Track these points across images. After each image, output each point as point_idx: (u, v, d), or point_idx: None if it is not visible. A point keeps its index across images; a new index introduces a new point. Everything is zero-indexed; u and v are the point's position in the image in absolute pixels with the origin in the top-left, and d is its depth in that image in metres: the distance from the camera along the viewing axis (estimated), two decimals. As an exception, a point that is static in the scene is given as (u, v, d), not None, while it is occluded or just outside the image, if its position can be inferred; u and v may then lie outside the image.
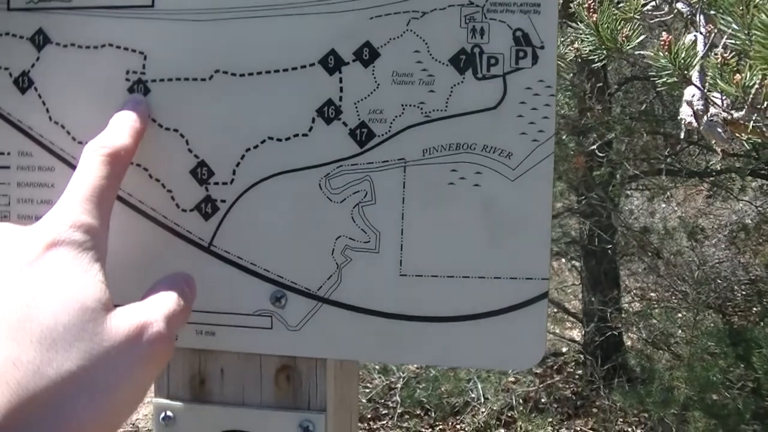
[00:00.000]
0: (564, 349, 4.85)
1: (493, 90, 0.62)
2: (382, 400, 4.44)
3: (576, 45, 1.57)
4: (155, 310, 0.53)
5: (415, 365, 4.39)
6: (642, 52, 1.44)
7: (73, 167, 0.65)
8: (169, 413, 0.67)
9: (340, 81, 0.63)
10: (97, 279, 0.51)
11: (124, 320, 0.50)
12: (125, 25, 0.65)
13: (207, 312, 0.65)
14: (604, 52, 1.47)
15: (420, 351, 0.64)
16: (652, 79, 1.47)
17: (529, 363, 0.65)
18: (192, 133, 0.65)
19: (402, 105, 0.63)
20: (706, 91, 1.31)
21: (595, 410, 4.29)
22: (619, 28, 1.48)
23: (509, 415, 4.22)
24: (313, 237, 0.64)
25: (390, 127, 0.63)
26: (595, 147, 3.64)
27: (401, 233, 0.63)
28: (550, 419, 4.06)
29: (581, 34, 1.52)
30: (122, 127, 0.61)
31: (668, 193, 4.99)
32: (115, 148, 0.58)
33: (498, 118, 0.62)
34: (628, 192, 4.61)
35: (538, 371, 4.53)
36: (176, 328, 0.54)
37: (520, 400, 4.26)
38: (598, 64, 1.53)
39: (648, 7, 1.63)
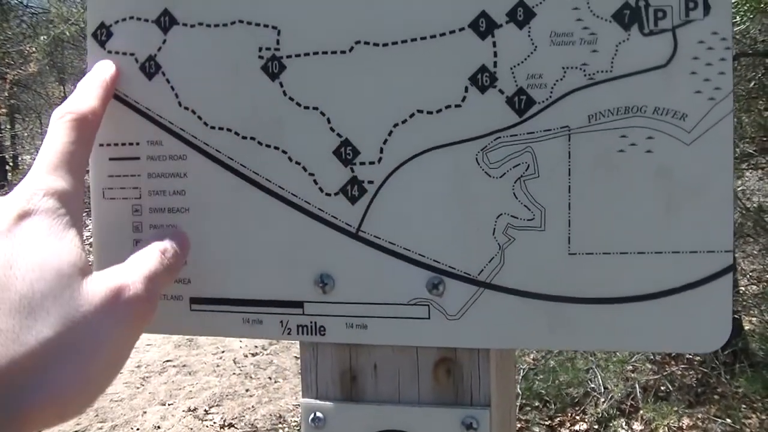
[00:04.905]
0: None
1: (663, 46, 0.57)
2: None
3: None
4: (133, 271, 0.53)
5: (533, 357, 4.35)
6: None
7: (207, 155, 0.62)
8: (319, 414, 0.63)
9: (494, 45, 0.58)
10: (72, 244, 0.50)
11: (100, 284, 0.50)
12: None
13: (357, 303, 0.61)
14: (749, 14, 1.40)
15: (592, 335, 0.58)
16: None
17: (712, 345, 0.59)
18: (333, 111, 0.60)
19: (563, 68, 0.57)
20: None
21: (716, 397, 4.18)
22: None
23: (629, 404, 4.14)
24: (472, 216, 0.59)
25: (551, 92, 0.58)
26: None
27: (568, 208, 0.58)
28: (676, 408, 3.96)
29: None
30: (88, 90, 0.60)
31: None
32: (82, 112, 0.58)
33: (669, 77, 0.57)
34: (741, 170, 4.49)
35: (657, 359, 4.44)
36: (159, 288, 0.54)
37: (641, 390, 4.18)
38: (741, 27, 1.46)
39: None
